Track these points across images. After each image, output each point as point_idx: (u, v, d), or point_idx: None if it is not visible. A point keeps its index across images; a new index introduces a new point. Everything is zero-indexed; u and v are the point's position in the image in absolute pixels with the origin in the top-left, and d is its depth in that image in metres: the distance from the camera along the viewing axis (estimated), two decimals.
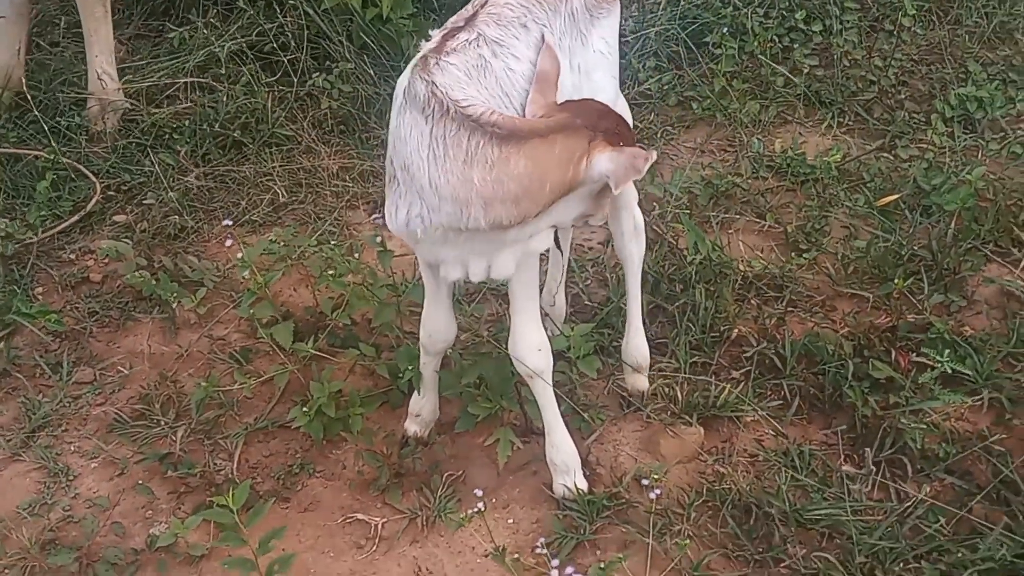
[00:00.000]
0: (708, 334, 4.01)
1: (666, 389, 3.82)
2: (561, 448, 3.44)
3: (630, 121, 3.56)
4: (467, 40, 3.04)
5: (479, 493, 3.47)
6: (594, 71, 3.36)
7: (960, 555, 3.21)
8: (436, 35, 3.10)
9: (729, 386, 3.81)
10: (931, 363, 3.77)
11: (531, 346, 3.29)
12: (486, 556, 3.36)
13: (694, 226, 4.25)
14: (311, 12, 5.45)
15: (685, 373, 3.89)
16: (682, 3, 5.73)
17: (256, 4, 5.60)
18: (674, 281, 4.21)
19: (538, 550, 3.33)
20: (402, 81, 3.01)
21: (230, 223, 4.50)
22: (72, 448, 3.83)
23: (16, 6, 5.23)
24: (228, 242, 4.52)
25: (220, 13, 5.72)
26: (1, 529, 3.50)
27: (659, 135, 5.24)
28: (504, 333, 3.64)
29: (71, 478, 3.71)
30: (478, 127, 2.86)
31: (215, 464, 3.71)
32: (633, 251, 3.73)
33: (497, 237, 3.02)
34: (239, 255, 3.90)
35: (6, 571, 3.39)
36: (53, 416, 3.92)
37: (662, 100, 5.45)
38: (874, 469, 3.50)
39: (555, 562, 3.28)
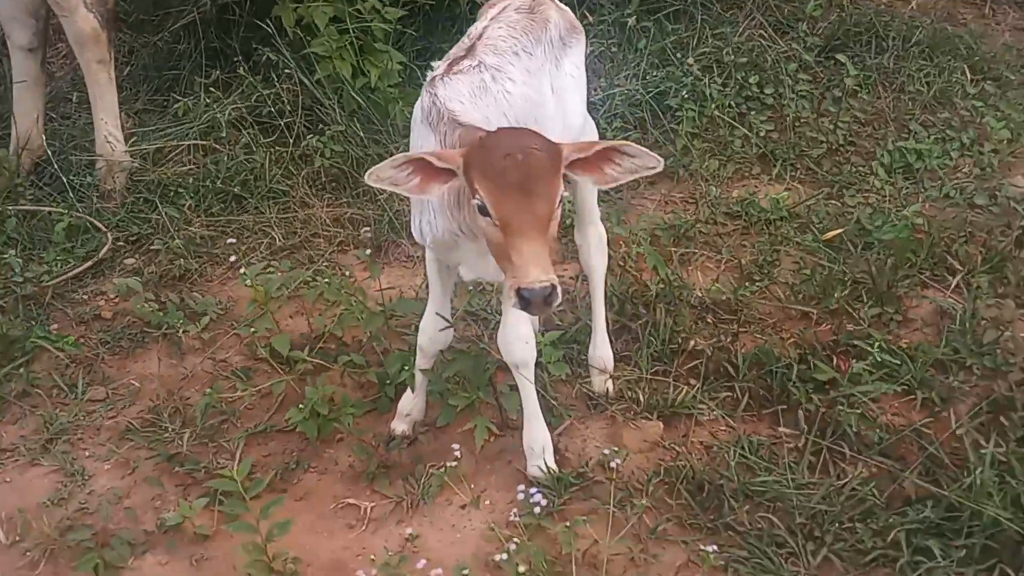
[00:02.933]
0: (668, 346, 4.41)
1: (629, 392, 4.21)
2: (537, 434, 3.83)
3: (596, 137, 4.04)
4: (471, 65, 3.57)
5: (455, 447, 3.85)
6: (566, 93, 3.86)
7: (891, 520, 3.57)
8: (441, 64, 3.60)
9: (687, 388, 4.20)
10: (867, 349, 4.17)
11: (520, 337, 3.70)
12: (467, 530, 3.72)
13: (654, 252, 4.67)
14: (305, 81, 5.95)
15: (647, 379, 4.28)
16: (645, 75, 6.26)
17: (255, 74, 6.10)
18: (637, 303, 4.62)
19: (511, 518, 3.68)
20: (417, 103, 3.52)
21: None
22: (87, 453, 4.18)
23: (32, 75, 5.72)
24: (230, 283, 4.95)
25: (221, 82, 6.21)
26: (23, 519, 3.84)
27: (625, 189, 5.69)
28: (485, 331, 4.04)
29: (87, 478, 4.05)
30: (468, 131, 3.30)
31: (218, 462, 4.06)
32: (598, 262, 4.19)
33: None
34: (241, 270, 4.29)
35: (28, 553, 3.73)
36: (70, 427, 4.28)
37: None
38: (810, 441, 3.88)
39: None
